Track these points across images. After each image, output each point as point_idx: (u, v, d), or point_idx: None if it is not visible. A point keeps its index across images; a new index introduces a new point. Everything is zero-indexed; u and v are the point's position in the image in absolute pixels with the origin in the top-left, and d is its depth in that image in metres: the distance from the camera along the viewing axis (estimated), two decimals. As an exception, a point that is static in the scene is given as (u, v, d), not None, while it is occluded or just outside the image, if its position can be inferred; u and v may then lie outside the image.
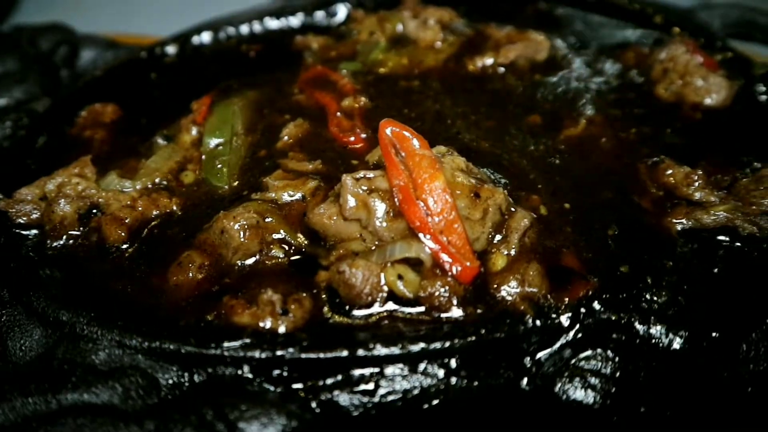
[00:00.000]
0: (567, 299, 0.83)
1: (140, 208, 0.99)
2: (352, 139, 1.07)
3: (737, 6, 1.41)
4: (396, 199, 0.86)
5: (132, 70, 1.37)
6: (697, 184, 0.97)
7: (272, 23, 1.48)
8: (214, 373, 0.79)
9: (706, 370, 0.81)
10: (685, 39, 1.26)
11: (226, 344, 0.79)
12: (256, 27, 1.47)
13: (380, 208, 0.87)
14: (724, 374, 0.82)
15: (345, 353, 0.77)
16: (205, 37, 1.44)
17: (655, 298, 0.84)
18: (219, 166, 1.06)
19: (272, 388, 0.78)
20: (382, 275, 0.84)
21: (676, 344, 0.81)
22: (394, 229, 0.86)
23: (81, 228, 0.98)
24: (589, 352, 0.81)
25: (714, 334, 0.82)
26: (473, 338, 0.79)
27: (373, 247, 0.88)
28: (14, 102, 1.29)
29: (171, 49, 1.42)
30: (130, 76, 1.36)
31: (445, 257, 0.84)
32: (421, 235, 0.84)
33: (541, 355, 0.81)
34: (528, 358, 0.81)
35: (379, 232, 0.87)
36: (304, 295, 0.85)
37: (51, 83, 1.38)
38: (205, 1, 1.79)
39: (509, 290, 0.84)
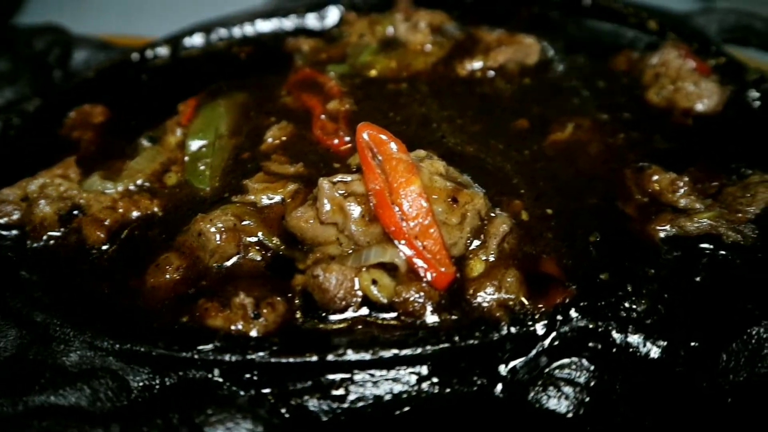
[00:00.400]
0: (544, 306, 0.82)
1: (120, 210, 0.99)
2: (336, 142, 1.07)
3: (734, 11, 1.39)
4: (371, 204, 0.85)
5: (123, 72, 1.38)
6: (682, 190, 0.96)
7: (264, 25, 1.48)
8: (185, 376, 0.78)
9: (684, 381, 0.80)
10: (678, 43, 1.24)
11: (197, 347, 0.78)
12: (248, 29, 1.47)
13: (356, 212, 0.86)
14: (703, 385, 0.81)
15: (315, 358, 0.76)
16: (197, 39, 1.44)
17: (634, 307, 0.83)
18: (201, 168, 1.05)
19: (242, 392, 0.77)
20: (357, 280, 0.83)
21: (654, 354, 0.80)
22: (370, 234, 0.86)
23: (61, 229, 0.98)
24: (564, 361, 0.79)
25: (693, 344, 0.81)
26: (446, 345, 0.78)
27: (350, 252, 0.87)
28: (5, 102, 1.29)
29: (162, 51, 1.42)
30: (121, 78, 1.37)
31: (419, 263, 0.83)
32: (396, 240, 0.83)
33: (515, 362, 0.80)
34: (502, 366, 0.80)
35: (355, 236, 0.86)
36: (278, 299, 0.84)
37: (43, 84, 1.39)
38: (208, 3, 1.80)
39: (485, 297, 0.83)
